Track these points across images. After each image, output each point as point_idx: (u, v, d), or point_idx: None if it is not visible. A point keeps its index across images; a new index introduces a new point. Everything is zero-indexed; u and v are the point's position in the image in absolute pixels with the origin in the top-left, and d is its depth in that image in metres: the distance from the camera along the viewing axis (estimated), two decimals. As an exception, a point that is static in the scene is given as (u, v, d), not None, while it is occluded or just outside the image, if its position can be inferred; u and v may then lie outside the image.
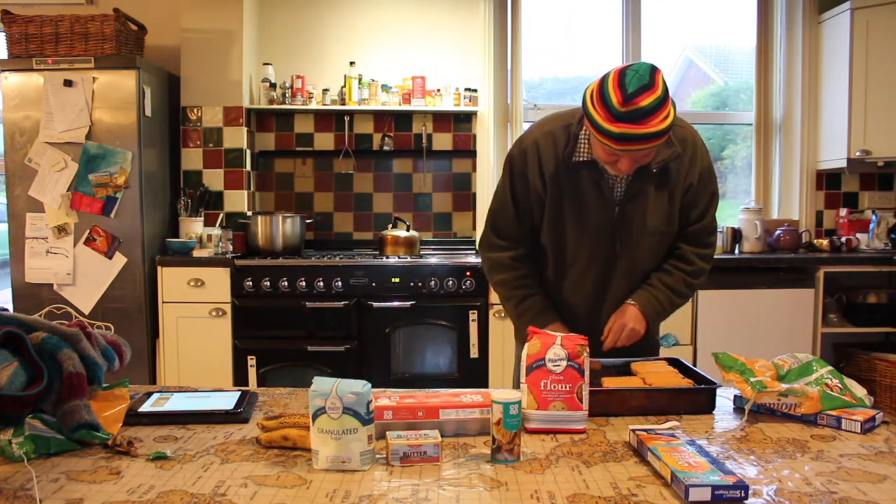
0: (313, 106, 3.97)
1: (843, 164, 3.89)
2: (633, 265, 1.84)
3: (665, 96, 1.52)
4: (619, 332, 1.82)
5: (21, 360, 1.32)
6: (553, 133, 1.78)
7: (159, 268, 3.51)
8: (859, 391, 1.50)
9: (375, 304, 3.50)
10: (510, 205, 1.84)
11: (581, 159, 1.75)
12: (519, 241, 1.87)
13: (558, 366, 1.40)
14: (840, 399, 1.45)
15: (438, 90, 4.00)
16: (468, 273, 3.51)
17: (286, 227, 3.81)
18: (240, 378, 3.50)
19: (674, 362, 1.75)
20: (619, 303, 1.87)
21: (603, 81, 1.55)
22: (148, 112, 3.56)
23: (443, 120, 4.16)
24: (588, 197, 1.77)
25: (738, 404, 1.57)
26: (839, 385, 1.49)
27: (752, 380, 1.47)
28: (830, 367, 1.56)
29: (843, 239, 3.89)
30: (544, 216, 1.81)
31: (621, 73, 1.52)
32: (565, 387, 1.40)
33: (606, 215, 1.78)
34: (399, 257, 3.65)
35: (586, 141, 1.73)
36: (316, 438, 1.21)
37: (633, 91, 1.49)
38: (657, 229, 1.80)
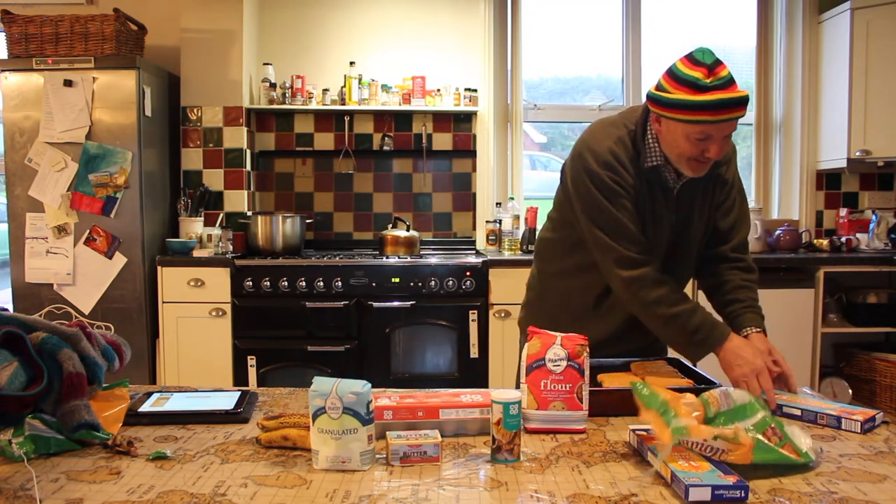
0: (313, 106, 3.97)
1: (843, 164, 3.89)
2: (684, 269, 1.83)
3: None
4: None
5: (21, 360, 1.32)
6: (622, 140, 1.71)
7: (159, 268, 3.51)
8: (804, 443, 1.24)
9: (375, 304, 3.50)
10: (616, 214, 1.68)
11: (653, 164, 1.70)
12: (648, 247, 1.71)
13: (558, 366, 1.40)
14: (776, 451, 1.19)
15: (438, 90, 4.00)
16: (468, 273, 3.51)
17: (286, 227, 3.81)
18: (240, 378, 3.50)
19: (674, 362, 1.75)
20: None
21: (672, 71, 1.57)
22: (148, 112, 3.56)
23: (443, 120, 4.16)
24: (657, 202, 1.73)
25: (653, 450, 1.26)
26: (778, 434, 1.24)
27: (673, 425, 1.19)
28: (769, 413, 1.31)
29: (843, 239, 3.89)
30: None
31: (690, 56, 1.55)
32: (565, 387, 1.40)
33: (667, 220, 1.75)
34: (399, 257, 3.65)
35: (656, 144, 1.69)
36: (316, 438, 1.21)
37: (712, 63, 1.53)
38: (702, 236, 1.81)
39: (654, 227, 1.74)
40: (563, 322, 1.77)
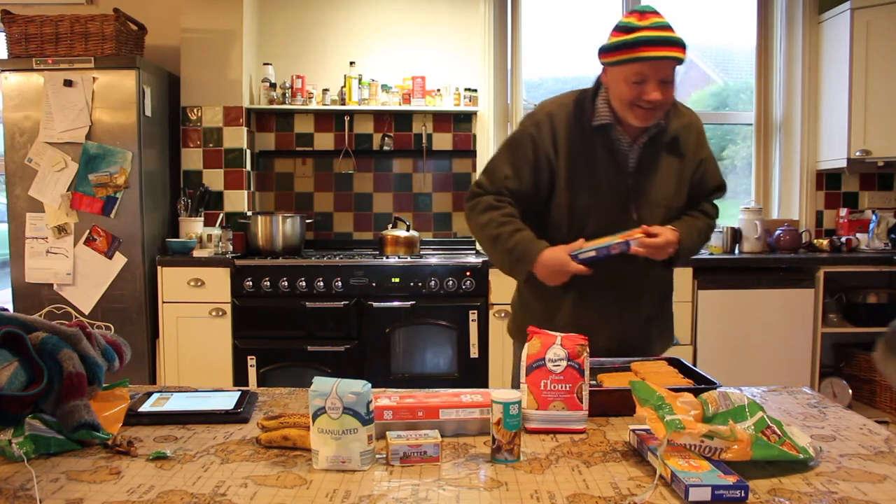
0: (313, 106, 3.97)
1: (843, 164, 3.89)
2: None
3: None
4: (658, 235, 1.75)
5: (21, 360, 1.32)
6: (565, 104, 1.83)
7: (159, 268, 3.51)
8: (802, 440, 1.25)
9: (375, 304, 3.50)
10: (506, 164, 1.84)
11: (601, 122, 1.78)
12: (505, 194, 1.83)
13: (558, 366, 1.40)
14: (776, 448, 1.19)
15: (438, 90, 4.00)
16: (468, 273, 3.51)
17: (286, 227, 3.81)
18: (240, 378, 3.50)
19: (674, 362, 1.75)
20: (635, 277, 1.85)
21: (615, 25, 1.69)
22: (148, 112, 3.56)
23: (443, 120, 4.16)
24: (602, 164, 1.79)
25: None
26: (777, 433, 1.24)
27: (667, 418, 1.20)
28: (767, 414, 1.29)
29: (843, 239, 3.89)
30: (557, 184, 1.81)
31: (630, 10, 1.68)
32: (565, 387, 1.40)
33: (620, 184, 1.79)
34: (399, 257, 3.65)
35: (606, 105, 1.77)
36: (316, 438, 1.21)
37: (647, 10, 1.65)
38: (668, 201, 1.84)
39: (591, 187, 1.79)
40: (540, 312, 1.86)
